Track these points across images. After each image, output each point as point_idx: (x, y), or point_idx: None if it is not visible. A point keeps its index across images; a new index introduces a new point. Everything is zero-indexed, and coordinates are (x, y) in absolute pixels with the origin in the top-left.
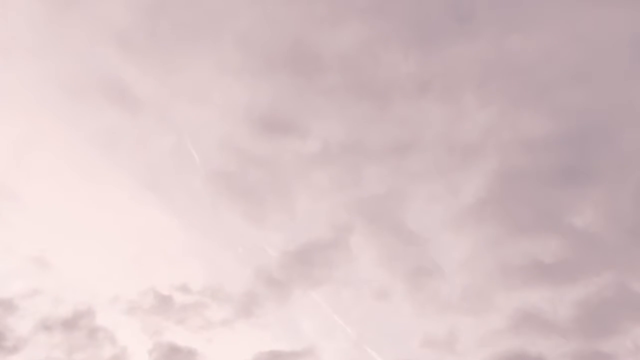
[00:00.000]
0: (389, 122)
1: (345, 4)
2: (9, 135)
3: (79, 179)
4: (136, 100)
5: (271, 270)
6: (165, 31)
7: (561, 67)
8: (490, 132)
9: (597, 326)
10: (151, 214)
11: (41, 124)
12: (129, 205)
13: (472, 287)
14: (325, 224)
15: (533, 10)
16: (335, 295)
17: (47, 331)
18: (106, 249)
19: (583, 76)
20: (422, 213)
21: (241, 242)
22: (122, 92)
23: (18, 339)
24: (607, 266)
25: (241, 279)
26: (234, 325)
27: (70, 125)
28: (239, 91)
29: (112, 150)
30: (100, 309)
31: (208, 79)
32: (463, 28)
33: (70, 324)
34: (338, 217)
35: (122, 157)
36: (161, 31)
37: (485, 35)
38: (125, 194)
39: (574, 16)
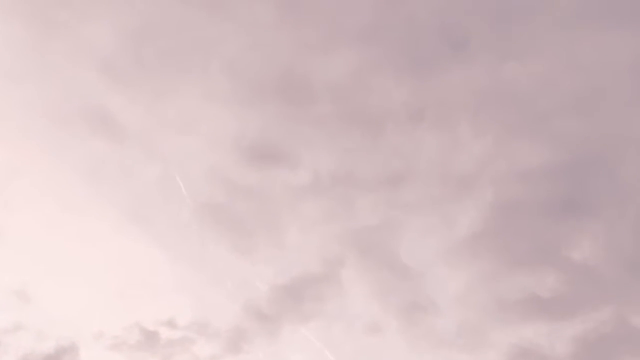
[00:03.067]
0: (382, 152)
1: (336, 31)
2: None
3: (62, 210)
4: (121, 129)
5: (260, 305)
6: (151, 58)
7: (559, 95)
8: (486, 163)
9: None
10: (136, 246)
11: (23, 153)
12: (114, 238)
13: (467, 322)
14: (315, 257)
15: (530, 37)
16: (327, 331)
17: None
18: (90, 283)
19: (581, 105)
20: (416, 246)
21: (229, 276)
22: (107, 121)
23: None
24: (605, 301)
25: (229, 313)
26: None
27: (53, 155)
28: (227, 120)
29: (96, 180)
30: (84, 344)
31: (195, 107)
32: (457, 55)
33: None
34: (329, 250)
35: (106, 187)
36: (147, 58)
37: (481, 63)
38: (110, 225)
39: (572, 43)
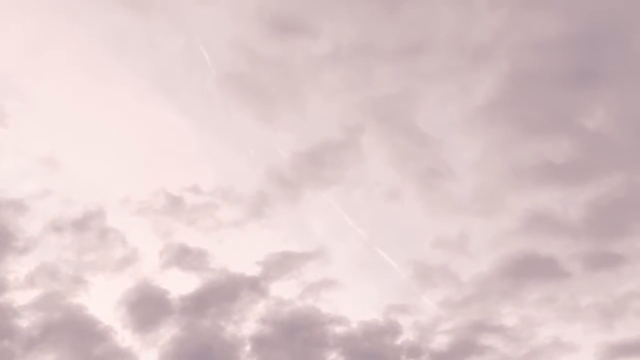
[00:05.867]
0: (401, 23)
1: None
2: (19, 35)
3: (90, 79)
4: (147, 0)
5: (282, 171)
6: None
7: None
8: (502, 33)
9: (608, 227)
10: (162, 114)
11: (52, 24)
12: (139, 106)
13: (483, 188)
14: (336, 125)
15: None
16: (346, 196)
17: (57, 232)
18: (117, 150)
19: None
20: (434, 114)
21: (252, 143)
22: None
23: (28, 239)
24: (618, 167)
25: (252, 179)
26: (245, 226)
27: (80, 26)
28: None
29: (122, 51)
30: (111, 209)
31: None
32: None
33: (80, 224)
34: (349, 118)
35: (132, 57)
36: None
37: None
38: (136, 94)
39: None
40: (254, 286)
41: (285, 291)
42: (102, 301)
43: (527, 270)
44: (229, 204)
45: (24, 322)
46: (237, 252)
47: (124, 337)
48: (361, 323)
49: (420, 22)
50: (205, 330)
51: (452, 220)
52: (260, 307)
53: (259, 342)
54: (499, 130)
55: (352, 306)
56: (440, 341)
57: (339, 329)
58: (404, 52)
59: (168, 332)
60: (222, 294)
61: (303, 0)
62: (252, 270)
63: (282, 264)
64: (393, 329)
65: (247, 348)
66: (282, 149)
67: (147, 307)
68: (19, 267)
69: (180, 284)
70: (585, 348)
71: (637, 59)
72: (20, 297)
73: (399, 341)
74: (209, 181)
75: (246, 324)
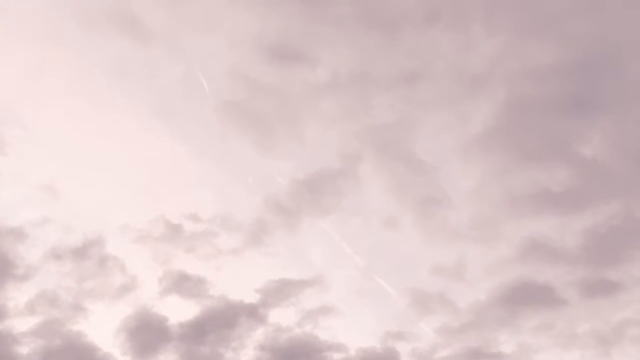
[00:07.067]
0: (398, 52)
1: None
2: (19, 63)
3: (89, 107)
4: (146, 29)
5: (280, 199)
6: None
7: None
8: (499, 62)
9: (605, 255)
10: (161, 142)
11: (51, 53)
12: (139, 134)
13: (480, 215)
14: (334, 153)
15: None
16: (344, 224)
17: (57, 260)
18: (116, 178)
19: (591, 5)
20: (431, 142)
21: (250, 171)
22: (133, 21)
23: (28, 267)
24: (614, 195)
25: (250, 207)
26: (244, 253)
27: (80, 54)
28: (248, 20)
29: (122, 79)
30: (110, 237)
31: (218, 7)
32: None
33: (80, 252)
34: (347, 146)
35: (131, 86)
36: None
37: None
38: (135, 122)
39: None
40: (253, 313)
41: (283, 318)
42: (102, 328)
43: (524, 297)
44: (228, 232)
45: (23, 349)
46: (236, 280)
47: None
48: (359, 350)
49: (418, 50)
50: (204, 357)
51: (449, 248)
52: (258, 334)
53: None
54: (496, 158)
55: (350, 333)
56: None
57: (337, 356)
58: (402, 80)
59: (167, 358)
60: (221, 321)
61: (301, 29)
62: (250, 297)
63: (281, 291)
64: (391, 356)
65: None
66: (281, 176)
67: (147, 334)
68: (19, 294)
69: (179, 311)
70: None
71: (633, 86)
72: (20, 324)
73: None
74: (208, 209)
75: (245, 350)
